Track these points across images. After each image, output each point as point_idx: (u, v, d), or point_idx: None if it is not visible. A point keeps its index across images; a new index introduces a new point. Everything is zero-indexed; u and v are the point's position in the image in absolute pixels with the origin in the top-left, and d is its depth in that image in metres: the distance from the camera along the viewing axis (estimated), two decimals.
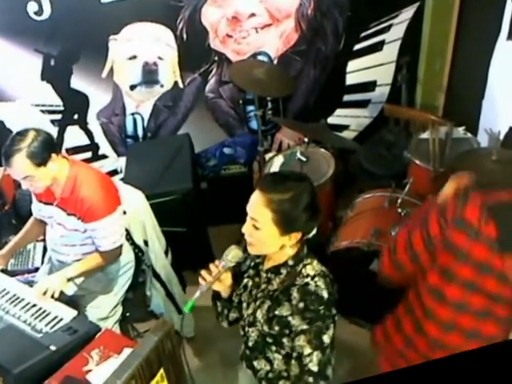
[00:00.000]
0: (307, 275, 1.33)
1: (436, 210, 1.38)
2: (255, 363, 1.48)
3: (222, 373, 2.40)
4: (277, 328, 1.37)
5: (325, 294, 1.31)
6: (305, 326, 1.30)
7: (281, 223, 1.30)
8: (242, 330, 1.52)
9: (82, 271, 2.00)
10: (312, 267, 1.35)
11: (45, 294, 1.89)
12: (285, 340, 1.36)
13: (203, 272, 1.43)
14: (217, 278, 1.42)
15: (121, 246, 2.05)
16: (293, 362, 1.34)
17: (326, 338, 1.31)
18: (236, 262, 1.43)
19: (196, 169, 3.08)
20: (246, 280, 1.51)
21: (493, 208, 1.25)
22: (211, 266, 1.44)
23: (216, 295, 1.56)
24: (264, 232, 1.31)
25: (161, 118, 3.26)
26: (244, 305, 1.50)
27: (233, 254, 1.42)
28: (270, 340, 1.40)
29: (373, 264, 2.23)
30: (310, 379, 1.32)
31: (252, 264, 1.52)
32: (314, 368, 1.30)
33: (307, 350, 1.30)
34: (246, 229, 1.35)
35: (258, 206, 1.30)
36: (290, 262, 1.37)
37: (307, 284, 1.31)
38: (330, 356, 1.34)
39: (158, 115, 3.24)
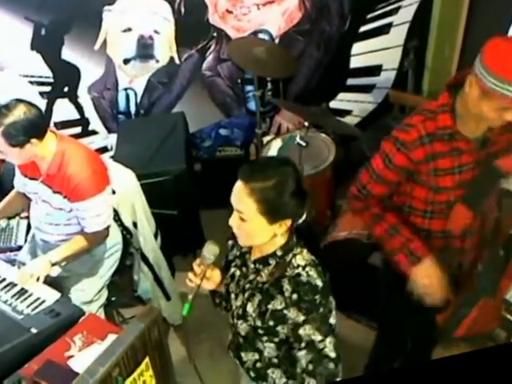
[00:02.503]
0: (298, 265, 1.31)
1: None
2: (242, 354, 1.48)
3: (210, 364, 2.36)
4: (271, 322, 1.34)
5: (319, 283, 1.28)
6: (303, 317, 1.28)
7: (267, 212, 1.26)
8: (231, 320, 1.49)
9: (67, 255, 1.95)
10: (302, 257, 1.32)
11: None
12: (279, 328, 1.34)
13: (189, 274, 1.41)
14: (202, 276, 1.40)
15: (108, 227, 2.01)
16: (300, 352, 1.33)
17: (332, 320, 1.32)
18: (215, 258, 1.40)
19: (190, 149, 3.05)
20: (233, 269, 1.48)
21: None
22: (194, 265, 1.41)
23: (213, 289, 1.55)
24: (251, 223, 1.27)
25: (155, 94, 3.20)
26: (232, 295, 1.47)
27: (209, 251, 1.39)
28: (261, 332, 1.38)
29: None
30: (331, 365, 1.32)
31: (238, 253, 1.49)
32: (332, 354, 1.32)
33: (318, 337, 1.30)
34: (233, 222, 1.31)
35: (241, 197, 1.26)
36: (279, 253, 1.34)
37: (299, 275, 1.29)
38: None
39: (152, 91, 3.19)
